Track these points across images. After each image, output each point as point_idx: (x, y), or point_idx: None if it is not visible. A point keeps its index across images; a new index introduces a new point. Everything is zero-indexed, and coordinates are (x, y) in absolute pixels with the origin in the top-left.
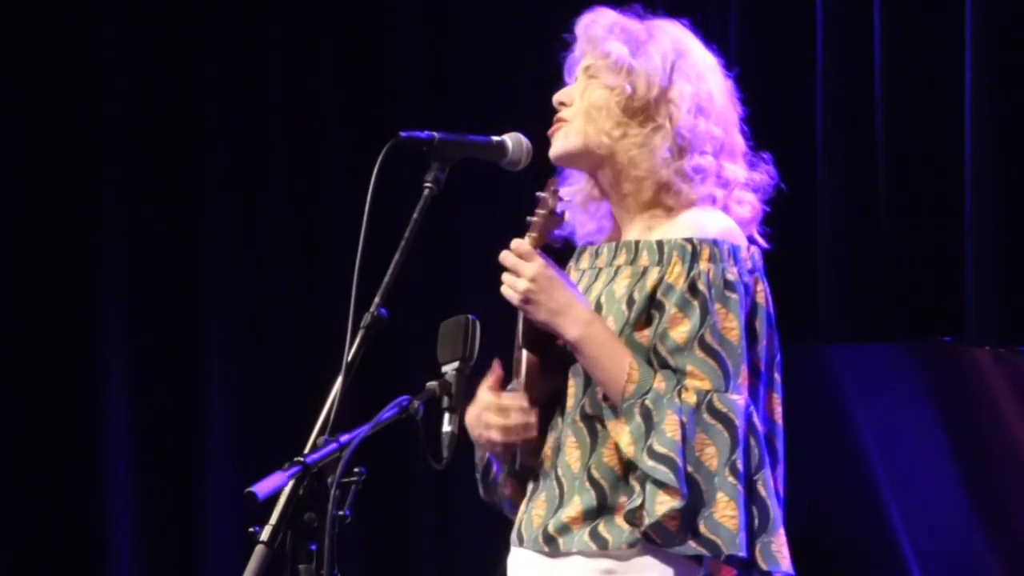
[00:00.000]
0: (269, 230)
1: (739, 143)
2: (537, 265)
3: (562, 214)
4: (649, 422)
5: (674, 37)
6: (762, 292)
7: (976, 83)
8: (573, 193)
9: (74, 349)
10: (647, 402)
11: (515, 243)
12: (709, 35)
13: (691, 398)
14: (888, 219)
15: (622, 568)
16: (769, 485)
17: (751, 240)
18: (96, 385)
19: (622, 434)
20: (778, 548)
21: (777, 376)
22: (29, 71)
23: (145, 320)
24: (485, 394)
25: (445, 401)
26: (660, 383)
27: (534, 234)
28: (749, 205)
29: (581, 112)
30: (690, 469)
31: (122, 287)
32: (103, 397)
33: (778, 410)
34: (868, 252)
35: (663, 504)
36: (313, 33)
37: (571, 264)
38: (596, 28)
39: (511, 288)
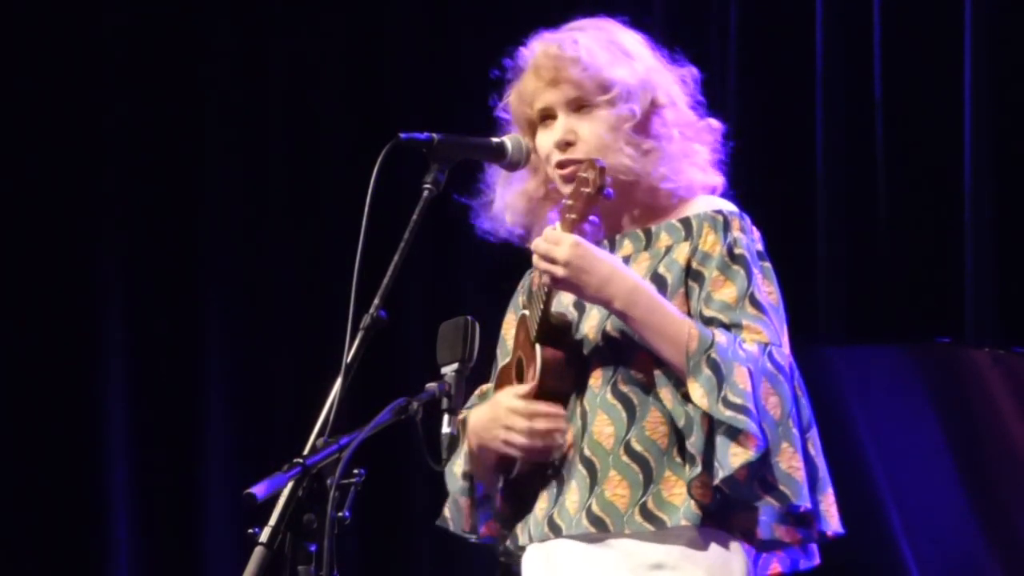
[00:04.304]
0: (269, 231)
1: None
2: (569, 246)
3: (610, 194)
4: (719, 374)
5: (615, 36)
6: (771, 271)
7: (975, 84)
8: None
9: (74, 349)
10: (713, 355)
11: (546, 231)
12: (708, 37)
13: (753, 348)
14: (887, 220)
15: (677, 552)
16: (817, 444)
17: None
18: (96, 385)
19: (694, 389)
20: (827, 508)
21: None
22: (28, 71)
23: (145, 320)
24: (508, 399)
25: (444, 402)
26: (721, 337)
27: (573, 216)
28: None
29: (596, 150)
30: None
31: (122, 287)
32: (103, 397)
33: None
34: (867, 253)
35: (736, 456)
36: (313, 33)
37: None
38: (566, 59)
39: (550, 275)
